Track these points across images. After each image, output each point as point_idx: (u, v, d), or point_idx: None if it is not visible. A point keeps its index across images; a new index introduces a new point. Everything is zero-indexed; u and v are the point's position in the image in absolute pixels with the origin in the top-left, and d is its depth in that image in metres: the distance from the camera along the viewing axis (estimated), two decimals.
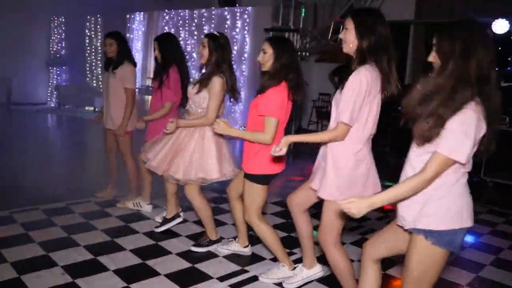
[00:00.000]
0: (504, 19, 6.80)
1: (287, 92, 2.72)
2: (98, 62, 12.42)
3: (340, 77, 6.18)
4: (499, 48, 7.35)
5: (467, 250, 3.66)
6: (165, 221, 3.72)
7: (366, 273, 2.15)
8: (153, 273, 2.94)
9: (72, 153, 6.97)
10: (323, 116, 9.48)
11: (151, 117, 3.79)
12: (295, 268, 2.96)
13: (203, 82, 3.14)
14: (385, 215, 4.41)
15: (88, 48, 12.58)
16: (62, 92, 12.47)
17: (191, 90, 3.21)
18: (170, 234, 3.64)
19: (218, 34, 3.21)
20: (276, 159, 2.71)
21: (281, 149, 2.22)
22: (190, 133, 3.20)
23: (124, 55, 4.11)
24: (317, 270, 2.94)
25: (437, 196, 1.75)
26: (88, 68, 12.69)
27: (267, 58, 2.77)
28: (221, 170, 3.17)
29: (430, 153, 1.72)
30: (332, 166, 2.32)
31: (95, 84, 12.56)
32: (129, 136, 4.21)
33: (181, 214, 3.79)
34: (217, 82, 3.09)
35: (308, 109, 10.43)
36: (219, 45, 3.14)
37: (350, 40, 2.27)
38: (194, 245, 3.39)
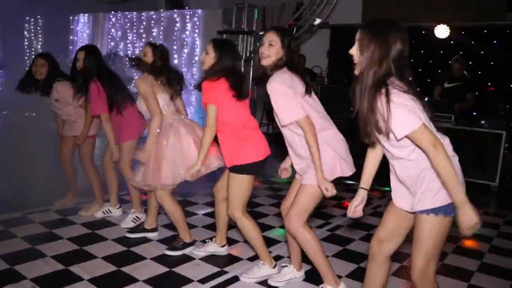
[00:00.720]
0: (445, 25, 7.24)
1: (227, 88, 2.79)
2: None
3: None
4: (441, 52, 7.81)
5: None
6: (143, 230, 3.62)
7: (378, 274, 2.23)
8: (131, 279, 2.85)
9: (17, 160, 6.57)
10: (274, 118, 9.59)
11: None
12: (275, 265, 2.98)
13: None
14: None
15: (28, 50, 11.94)
16: None
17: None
18: (141, 239, 3.55)
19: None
20: (259, 145, 2.84)
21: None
22: (166, 136, 3.19)
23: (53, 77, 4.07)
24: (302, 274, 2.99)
25: (434, 174, 1.88)
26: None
27: (209, 59, 2.85)
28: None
29: (402, 145, 1.90)
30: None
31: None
32: (92, 141, 4.07)
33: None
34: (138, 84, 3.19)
35: (259, 111, 10.52)
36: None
37: None
38: (168, 249, 3.32)
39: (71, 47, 11.07)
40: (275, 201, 4.75)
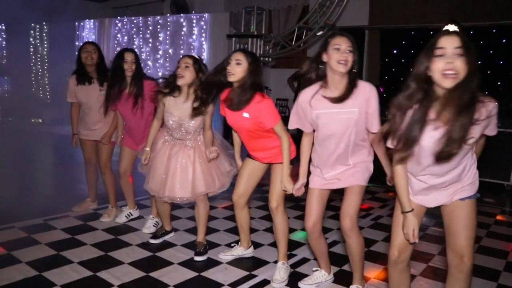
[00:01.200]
0: (453, 25, 7.22)
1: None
2: (45, 71, 11.84)
3: (299, 82, 6.43)
4: None
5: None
6: (163, 234, 3.65)
7: (401, 280, 2.24)
8: (161, 285, 2.84)
9: (29, 167, 6.56)
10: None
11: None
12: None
13: None
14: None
15: (33, 57, 11.95)
16: (5, 103, 11.76)
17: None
18: (166, 244, 3.54)
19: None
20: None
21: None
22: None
23: (105, 65, 3.99)
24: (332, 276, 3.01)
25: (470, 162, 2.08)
26: (33, 78, 12.04)
27: (240, 69, 2.75)
28: None
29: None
30: None
31: (41, 95, 11.95)
32: (112, 147, 4.07)
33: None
34: None
35: None
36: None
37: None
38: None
39: (76, 52, 11.03)
40: (293, 203, 4.74)
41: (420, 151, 1.94)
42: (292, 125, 2.65)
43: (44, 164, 6.94)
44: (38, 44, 11.86)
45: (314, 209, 2.64)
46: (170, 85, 3.17)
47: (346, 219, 2.54)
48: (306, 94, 2.52)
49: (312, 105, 2.47)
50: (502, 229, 4.35)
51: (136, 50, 10.00)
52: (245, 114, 2.79)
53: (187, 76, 3.09)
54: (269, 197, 2.96)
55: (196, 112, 3.08)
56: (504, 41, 7.56)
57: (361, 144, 2.56)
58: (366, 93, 2.42)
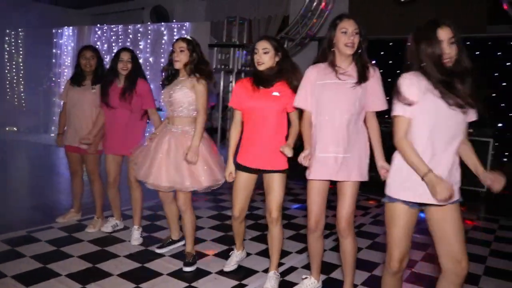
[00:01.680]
0: None
1: None
2: (20, 79, 11.62)
3: None
4: None
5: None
6: (171, 242, 3.69)
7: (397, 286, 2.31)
8: None
9: (6, 177, 6.43)
10: None
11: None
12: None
13: None
14: None
15: (8, 64, 11.72)
16: None
17: None
18: (153, 255, 3.54)
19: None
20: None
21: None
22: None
23: (103, 70, 3.99)
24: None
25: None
26: (8, 86, 11.80)
27: (270, 58, 2.83)
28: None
29: None
30: None
31: (17, 103, 11.71)
32: (99, 155, 4.06)
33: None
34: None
35: None
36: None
37: None
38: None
39: (54, 60, 10.93)
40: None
41: None
42: (299, 101, 2.71)
43: (22, 174, 6.81)
44: (13, 51, 11.64)
45: (315, 204, 2.70)
46: (170, 75, 3.30)
47: (342, 220, 2.62)
48: (314, 68, 2.68)
49: (319, 77, 2.62)
50: (478, 235, 4.50)
51: None
52: (276, 93, 2.86)
53: (182, 59, 3.18)
54: (269, 207, 2.97)
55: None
56: (477, 53, 7.83)
57: (361, 129, 2.64)
58: (371, 73, 2.59)
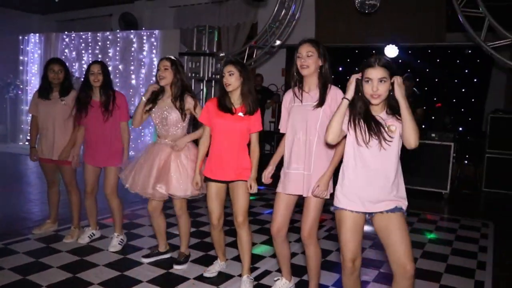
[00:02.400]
0: (394, 45, 7.80)
1: None
2: None
3: (262, 96, 6.79)
4: None
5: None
6: (158, 253, 3.74)
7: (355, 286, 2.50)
8: None
9: None
10: None
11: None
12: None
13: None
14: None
15: None
16: None
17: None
18: (132, 263, 3.62)
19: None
20: None
21: None
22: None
23: (70, 82, 4.05)
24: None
25: None
26: None
27: (234, 79, 3.05)
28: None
29: None
30: None
31: None
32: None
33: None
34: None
35: None
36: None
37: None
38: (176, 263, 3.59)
39: (21, 67, 10.75)
40: (251, 218, 4.94)
41: None
42: (280, 126, 2.98)
43: None
44: None
45: (279, 214, 2.91)
46: (156, 93, 3.46)
47: (305, 232, 2.83)
48: (288, 93, 2.98)
49: (291, 100, 2.89)
50: (442, 235, 4.79)
51: (85, 65, 9.92)
52: (241, 114, 3.08)
53: (167, 77, 3.36)
54: (234, 213, 3.16)
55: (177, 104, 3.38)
56: (438, 60, 8.25)
57: (324, 149, 2.78)
58: (331, 94, 2.76)
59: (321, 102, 2.74)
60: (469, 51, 8.09)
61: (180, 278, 3.37)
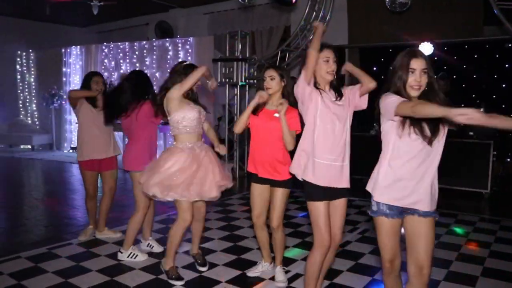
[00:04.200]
0: (429, 43, 7.62)
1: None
2: (33, 98, 11.99)
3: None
4: None
5: None
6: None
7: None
8: None
9: (23, 195, 6.70)
10: None
11: None
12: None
13: None
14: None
15: (21, 84, 12.10)
16: None
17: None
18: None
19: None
20: None
21: None
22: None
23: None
24: None
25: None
26: (21, 105, 12.17)
27: (276, 84, 3.20)
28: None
29: None
30: None
31: (30, 121, 12.07)
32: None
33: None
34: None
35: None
36: None
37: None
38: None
39: (64, 78, 11.27)
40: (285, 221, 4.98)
41: None
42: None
43: (39, 192, 7.07)
44: (25, 71, 12.02)
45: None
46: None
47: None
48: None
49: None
50: (480, 236, 4.65)
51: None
52: (276, 114, 3.18)
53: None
54: (270, 217, 3.36)
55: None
56: (475, 56, 7.99)
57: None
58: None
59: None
60: (509, 45, 7.78)
61: (212, 282, 3.46)
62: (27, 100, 12.12)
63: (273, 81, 3.17)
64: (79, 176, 7.44)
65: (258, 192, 3.40)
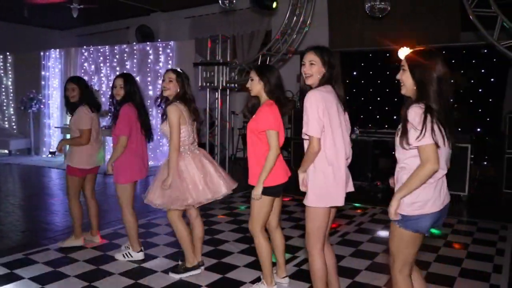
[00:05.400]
0: (408, 48, 7.74)
1: (278, 108, 3.09)
2: (10, 101, 11.77)
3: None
4: None
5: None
6: (186, 269, 3.63)
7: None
8: None
9: (1, 201, 6.55)
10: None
11: (113, 157, 3.83)
12: (275, 285, 3.25)
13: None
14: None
15: None
16: None
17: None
18: (146, 271, 3.71)
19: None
20: (280, 170, 3.09)
21: None
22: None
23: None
24: None
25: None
26: None
27: (255, 85, 3.14)
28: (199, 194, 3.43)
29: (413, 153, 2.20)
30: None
31: (7, 125, 11.84)
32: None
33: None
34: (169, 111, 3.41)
35: (235, 137, 10.84)
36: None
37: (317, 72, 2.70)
38: (172, 271, 3.65)
39: (43, 82, 11.09)
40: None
41: None
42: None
43: (15, 197, 6.92)
44: (2, 75, 11.80)
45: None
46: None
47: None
48: None
49: None
50: (458, 238, 4.73)
51: (103, 78, 10.15)
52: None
53: (171, 89, 3.48)
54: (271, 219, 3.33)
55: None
56: (453, 61, 8.16)
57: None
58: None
59: None
60: (485, 50, 7.97)
61: (191, 286, 3.43)
62: (4, 104, 11.89)
63: (252, 82, 3.14)
64: (58, 181, 7.34)
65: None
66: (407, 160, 2.24)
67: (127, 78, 3.91)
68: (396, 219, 2.26)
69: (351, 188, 2.83)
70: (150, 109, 9.46)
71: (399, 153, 2.29)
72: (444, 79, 2.19)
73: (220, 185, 3.50)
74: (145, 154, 4.01)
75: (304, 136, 2.66)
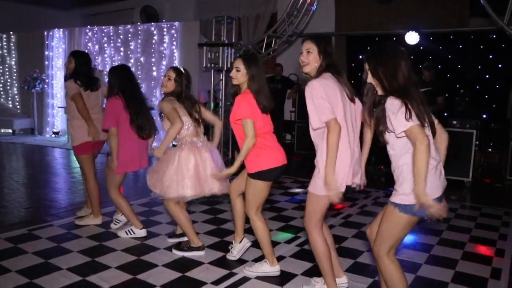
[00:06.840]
0: (414, 32, 7.64)
1: (255, 98, 3.04)
2: (14, 81, 11.74)
3: (283, 86, 6.75)
4: (412, 57, 8.24)
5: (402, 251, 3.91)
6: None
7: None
8: (149, 286, 3.03)
9: (4, 178, 6.57)
10: None
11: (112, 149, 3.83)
12: (277, 265, 3.27)
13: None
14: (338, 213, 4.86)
15: (1, 67, 11.83)
16: None
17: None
18: (149, 248, 3.73)
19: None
20: (275, 152, 3.08)
21: None
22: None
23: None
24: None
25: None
26: (2, 88, 11.92)
27: (241, 75, 3.08)
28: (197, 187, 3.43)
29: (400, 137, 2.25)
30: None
31: (11, 105, 11.84)
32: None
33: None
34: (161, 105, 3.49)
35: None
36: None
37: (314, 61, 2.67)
38: (175, 248, 3.68)
39: (46, 62, 11.05)
40: (268, 205, 4.99)
41: None
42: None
43: (19, 175, 6.94)
44: (6, 54, 11.75)
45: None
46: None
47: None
48: None
49: None
50: (461, 222, 4.72)
51: (107, 59, 10.07)
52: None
53: (168, 87, 3.55)
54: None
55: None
56: (461, 46, 8.06)
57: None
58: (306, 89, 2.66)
59: None
60: (493, 36, 7.86)
61: (195, 263, 3.44)
62: (8, 84, 11.86)
63: (238, 73, 3.08)
64: (61, 160, 7.37)
65: None
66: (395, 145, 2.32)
67: (110, 71, 3.97)
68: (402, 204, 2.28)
69: (357, 181, 2.78)
70: (154, 90, 9.44)
71: (391, 147, 2.35)
72: (406, 67, 2.30)
73: (214, 184, 3.48)
74: (142, 144, 3.96)
75: (319, 127, 2.57)
